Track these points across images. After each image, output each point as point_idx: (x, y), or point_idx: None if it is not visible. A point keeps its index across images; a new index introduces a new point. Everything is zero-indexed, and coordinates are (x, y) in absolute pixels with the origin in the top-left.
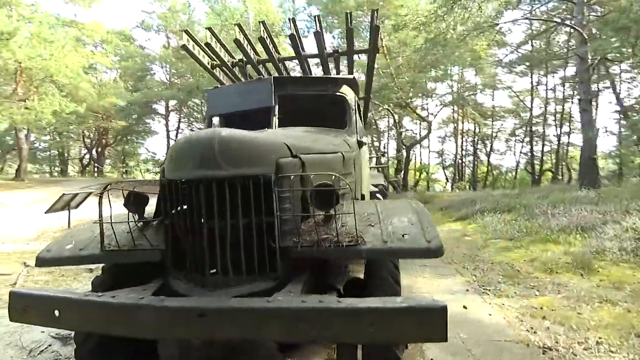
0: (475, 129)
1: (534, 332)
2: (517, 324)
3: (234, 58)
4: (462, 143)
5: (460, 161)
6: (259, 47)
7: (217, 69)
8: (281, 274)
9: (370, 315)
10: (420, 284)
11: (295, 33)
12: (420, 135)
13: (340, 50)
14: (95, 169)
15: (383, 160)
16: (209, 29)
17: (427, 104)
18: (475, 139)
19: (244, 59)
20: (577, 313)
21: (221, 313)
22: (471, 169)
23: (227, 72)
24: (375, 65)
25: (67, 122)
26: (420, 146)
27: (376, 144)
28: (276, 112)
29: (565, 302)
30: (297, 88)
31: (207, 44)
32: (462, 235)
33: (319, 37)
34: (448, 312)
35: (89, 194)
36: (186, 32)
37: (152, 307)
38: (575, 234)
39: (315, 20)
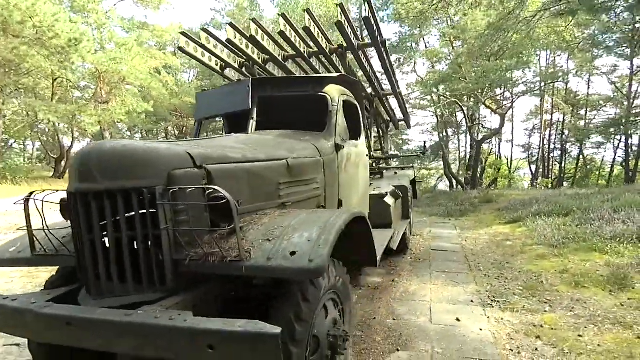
0: (564, 119)
1: (518, 353)
2: (505, 342)
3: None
4: (549, 136)
5: (546, 156)
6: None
7: (231, 69)
8: (171, 287)
9: (210, 338)
10: (427, 291)
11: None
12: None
13: (345, 45)
14: None
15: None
16: (204, 29)
17: (501, 94)
18: (565, 131)
19: (248, 60)
20: (578, 335)
21: (85, 323)
22: (560, 164)
23: (241, 73)
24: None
25: (143, 121)
26: (500, 140)
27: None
28: (254, 115)
29: (572, 322)
30: (278, 89)
31: (202, 45)
32: (503, 240)
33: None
34: (438, 324)
35: None
36: (183, 34)
37: (34, 312)
38: (628, 243)
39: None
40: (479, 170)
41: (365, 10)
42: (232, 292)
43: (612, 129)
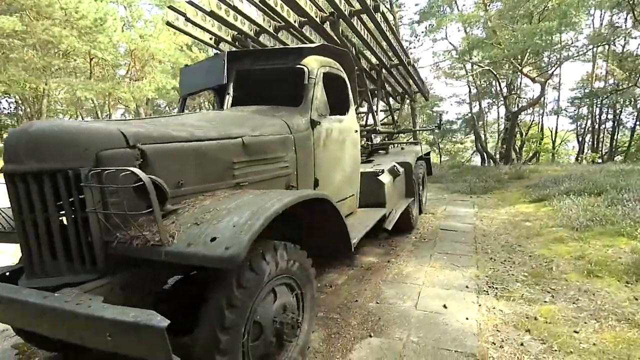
0: (618, 86)
1: (500, 347)
2: (489, 334)
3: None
4: (600, 105)
5: (597, 127)
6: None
7: (225, 43)
8: (102, 268)
9: (104, 325)
10: (421, 274)
11: None
12: (543, 98)
13: (336, 14)
14: None
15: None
16: (189, 2)
17: (539, 60)
18: (619, 100)
19: (241, 32)
20: (574, 331)
21: (9, 302)
22: (611, 136)
23: (234, 46)
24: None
25: (173, 97)
26: (543, 111)
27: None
28: (230, 91)
29: (571, 315)
30: (256, 62)
31: (189, 20)
32: (522, 220)
33: None
34: (423, 310)
35: None
36: (170, 7)
37: None
38: None
39: None
40: (517, 144)
41: None
42: (174, 275)
43: None
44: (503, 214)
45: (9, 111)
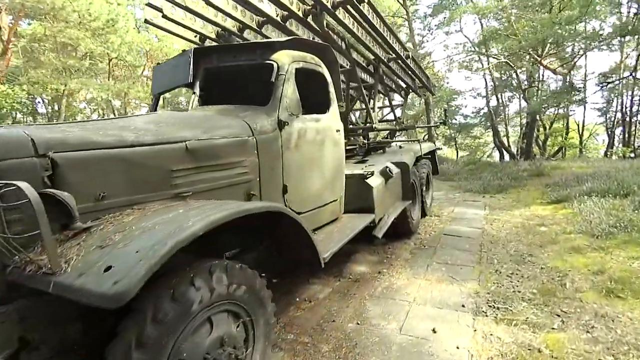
0: None
1: None
2: None
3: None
4: (631, 97)
5: (628, 120)
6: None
7: (211, 41)
8: (1, 294)
9: None
10: (414, 288)
11: None
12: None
13: (318, 7)
14: None
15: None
16: None
17: (560, 50)
18: None
19: (223, 28)
20: None
21: None
22: None
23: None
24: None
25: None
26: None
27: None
28: (196, 90)
29: (583, 349)
30: (224, 59)
31: (164, 16)
32: (537, 225)
33: None
34: (408, 335)
35: None
36: (148, 4)
37: None
38: None
39: None
40: (540, 138)
41: None
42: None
43: None
44: (517, 216)
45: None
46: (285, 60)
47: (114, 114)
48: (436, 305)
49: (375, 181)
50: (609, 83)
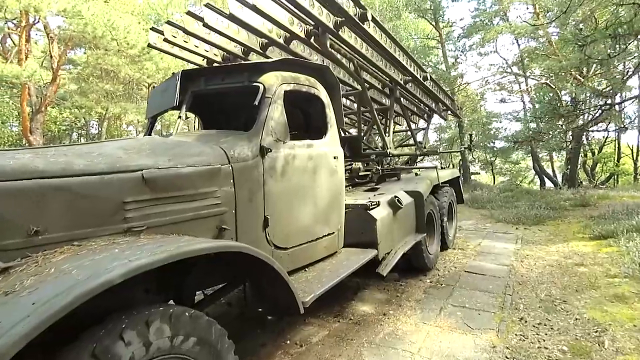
0: None
1: None
2: None
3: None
4: None
5: None
6: None
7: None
8: None
9: None
10: (421, 336)
11: None
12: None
13: (320, 28)
14: None
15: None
16: (169, 22)
17: (612, 69)
18: None
19: (227, 52)
20: None
21: None
22: None
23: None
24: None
25: None
26: (621, 127)
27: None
28: (182, 114)
29: None
30: (212, 81)
31: (165, 39)
32: (576, 265)
33: None
34: None
35: None
36: (152, 29)
37: None
38: None
39: None
40: (588, 164)
41: None
42: None
43: None
44: (552, 253)
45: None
46: (273, 81)
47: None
48: (443, 359)
49: (380, 212)
50: None
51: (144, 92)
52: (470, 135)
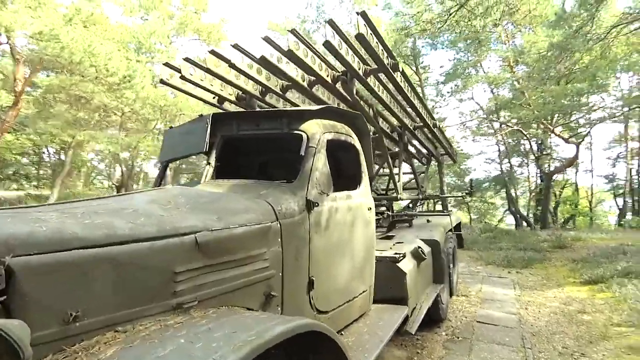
0: None
1: None
2: None
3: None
4: (638, 166)
5: (635, 188)
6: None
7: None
8: None
9: None
10: None
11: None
12: (577, 158)
13: (349, 74)
14: None
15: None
16: (187, 59)
17: (573, 121)
18: None
19: (244, 91)
20: None
21: None
22: None
23: (239, 106)
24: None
25: None
26: (577, 170)
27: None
28: (211, 161)
29: None
30: (246, 126)
31: (182, 77)
32: (578, 312)
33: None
34: None
35: None
36: (166, 64)
37: None
38: None
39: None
40: (551, 205)
41: (362, 26)
42: None
43: None
44: (551, 299)
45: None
46: (316, 130)
47: (122, 166)
48: None
49: (407, 265)
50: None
51: (113, 118)
52: (471, 180)
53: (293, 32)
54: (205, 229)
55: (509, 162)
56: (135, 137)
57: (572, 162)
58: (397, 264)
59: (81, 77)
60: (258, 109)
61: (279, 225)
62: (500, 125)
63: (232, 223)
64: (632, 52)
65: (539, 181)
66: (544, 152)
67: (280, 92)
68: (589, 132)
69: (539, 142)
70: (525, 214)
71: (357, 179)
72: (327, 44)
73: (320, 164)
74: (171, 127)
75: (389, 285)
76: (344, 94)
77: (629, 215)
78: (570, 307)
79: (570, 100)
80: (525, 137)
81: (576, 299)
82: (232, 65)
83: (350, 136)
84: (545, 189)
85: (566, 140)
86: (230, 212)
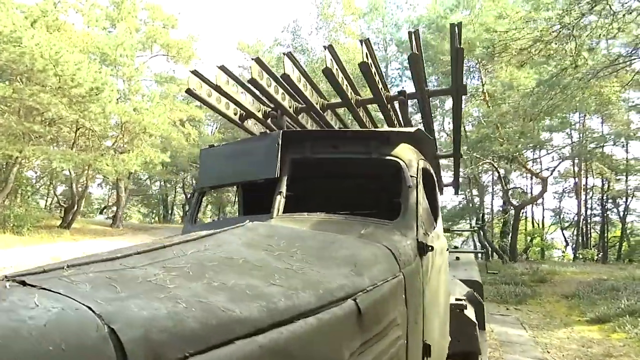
0: (603, 185)
1: None
2: None
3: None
4: (585, 201)
5: (584, 222)
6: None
7: (251, 120)
8: None
9: None
10: None
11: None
12: (532, 192)
13: (408, 93)
14: None
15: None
16: (222, 67)
17: (539, 157)
18: (605, 197)
19: (276, 108)
20: None
21: None
22: (599, 232)
23: (265, 125)
24: (475, 114)
25: (160, 172)
26: (534, 204)
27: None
28: (283, 189)
29: None
30: (321, 148)
31: (218, 87)
32: (604, 355)
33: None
34: None
35: None
36: (194, 72)
37: None
38: None
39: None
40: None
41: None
42: None
43: None
44: (566, 340)
45: None
46: (412, 156)
47: (73, 186)
48: None
49: (472, 314)
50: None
51: (64, 133)
52: (483, 214)
53: (366, 42)
54: (357, 289)
55: (471, 194)
56: (91, 155)
57: (540, 195)
58: (464, 312)
59: (41, 87)
60: (336, 130)
61: (402, 276)
62: (472, 160)
63: (374, 278)
64: (591, 94)
65: (502, 214)
66: (516, 186)
67: (320, 111)
68: (556, 167)
69: (504, 176)
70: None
71: (435, 213)
72: (362, 65)
73: (421, 197)
74: (212, 146)
75: (456, 338)
76: (391, 116)
77: (569, 249)
78: (592, 350)
79: (535, 137)
80: (496, 171)
81: (592, 340)
82: (276, 79)
83: (428, 164)
84: (515, 221)
85: (536, 175)
86: (363, 262)
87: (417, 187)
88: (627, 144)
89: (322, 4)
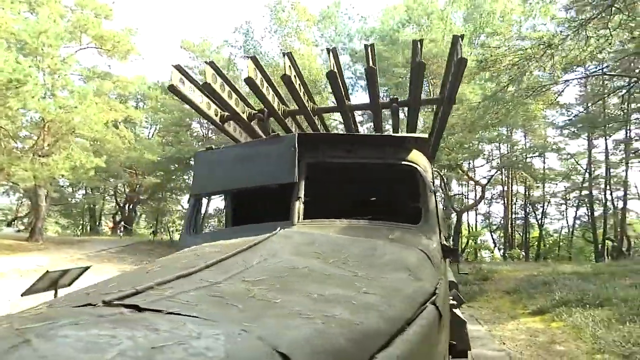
0: (525, 192)
1: None
2: None
3: (252, 108)
4: (511, 206)
5: (510, 226)
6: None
7: (232, 122)
8: None
9: None
10: None
11: (336, 67)
12: (468, 198)
13: (400, 100)
14: (122, 228)
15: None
16: (211, 63)
17: (474, 167)
18: (527, 203)
19: (265, 109)
20: None
21: None
22: (521, 234)
23: (244, 127)
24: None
25: (90, 178)
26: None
27: None
28: (301, 194)
29: None
30: (336, 153)
31: (207, 84)
32: (549, 343)
33: (372, 75)
34: None
35: (85, 269)
36: (177, 67)
37: None
38: None
39: (366, 50)
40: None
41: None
42: None
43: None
44: (516, 331)
45: None
46: (426, 162)
47: None
48: None
49: (461, 312)
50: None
51: None
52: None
53: (371, 47)
54: (428, 293)
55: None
56: (5, 158)
57: (480, 201)
58: (455, 310)
59: None
60: (356, 134)
61: (432, 289)
62: None
63: (432, 282)
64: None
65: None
66: (457, 193)
67: (312, 115)
68: (493, 176)
69: (445, 182)
70: None
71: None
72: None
73: (436, 202)
74: (210, 148)
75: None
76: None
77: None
78: (538, 338)
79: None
80: (441, 178)
81: (537, 330)
82: (269, 81)
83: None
84: (457, 224)
85: (476, 183)
86: (414, 267)
87: (435, 192)
88: (544, 155)
89: (276, 7)
